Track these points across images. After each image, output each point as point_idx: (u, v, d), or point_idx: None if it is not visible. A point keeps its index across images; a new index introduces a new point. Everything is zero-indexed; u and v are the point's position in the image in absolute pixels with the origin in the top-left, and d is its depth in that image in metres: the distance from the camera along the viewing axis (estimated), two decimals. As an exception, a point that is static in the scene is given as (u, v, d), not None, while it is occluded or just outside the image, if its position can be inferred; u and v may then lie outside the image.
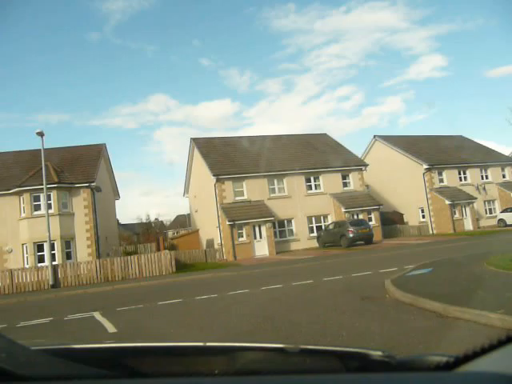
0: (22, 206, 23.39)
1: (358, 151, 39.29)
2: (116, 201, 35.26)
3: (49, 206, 20.90)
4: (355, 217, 28.13)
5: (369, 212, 28.93)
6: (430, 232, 31.57)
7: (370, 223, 27.34)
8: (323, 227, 28.41)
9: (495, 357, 0.96)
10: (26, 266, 21.69)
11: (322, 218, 29.29)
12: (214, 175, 27.11)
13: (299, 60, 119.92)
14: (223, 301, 10.10)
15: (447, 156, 34.04)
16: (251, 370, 1.09)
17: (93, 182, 24.34)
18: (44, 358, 1.14)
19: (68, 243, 23.50)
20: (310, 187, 29.46)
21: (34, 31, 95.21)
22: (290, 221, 28.50)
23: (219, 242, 27.57)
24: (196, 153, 31.35)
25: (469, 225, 30.69)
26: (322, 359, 1.11)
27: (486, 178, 34.60)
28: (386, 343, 5.11)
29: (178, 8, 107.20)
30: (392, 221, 32.69)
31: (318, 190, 29.51)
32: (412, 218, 33.67)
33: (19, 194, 23.29)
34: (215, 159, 28.87)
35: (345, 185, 30.20)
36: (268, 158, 28.98)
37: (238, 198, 27.39)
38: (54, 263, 20.47)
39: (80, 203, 24.06)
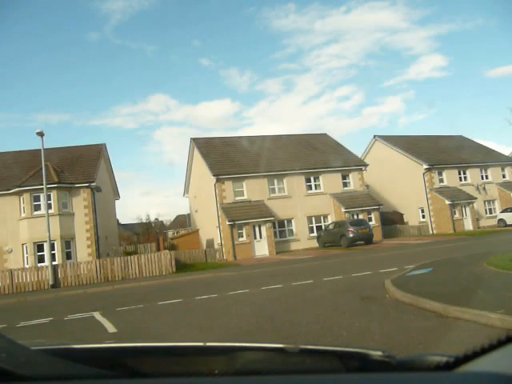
0: (21, 205, 23.39)
1: (358, 151, 39.35)
2: (116, 201, 35.26)
3: (49, 206, 20.90)
4: (355, 217, 28.13)
5: (369, 212, 28.93)
6: (430, 232, 31.57)
7: (370, 223, 27.34)
8: (323, 227, 28.41)
9: (495, 357, 0.96)
10: (26, 266, 21.69)
11: (322, 217, 29.28)
12: (213, 175, 27.11)
13: (299, 60, 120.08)
14: (223, 301, 10.10)
15: (447, 156, 34.04)
16: (251, 370, 1.09)
17: (93, 181, 24.34)
18: (44, 358, 1.14)
19: (68, 243, 23.50)
20: (310, 187, 29.46)
21: (34, 31, 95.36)
22: (290, 221, 28.50)
23: (219, 241, 27.57)
24: (196, 153, 31.35)
25: (469, 225, 30.69)
26: (322, 359, 1.11)
27: (486, 177, 34.60)
28: (385, 343, 5.11)
29: (178, 8, 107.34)
30: (392, 221, 32.68)
31: (317, 190, 29.51)
32: (412, 218, 33.67)
33: (19, 193, 23.30)
34: (215, 159, 28.87)
35: (345, 185, 30.20)
36: (268, 158, 28.98)
37: (237, 198, 27.39)
38: (54, 263, 20.46)
39: (80, 203, 24.06)
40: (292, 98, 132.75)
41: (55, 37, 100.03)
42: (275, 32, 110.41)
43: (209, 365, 1.11)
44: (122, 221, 57.86)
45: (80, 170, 25.45)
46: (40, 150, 20.07)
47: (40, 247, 22.59)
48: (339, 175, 30.01)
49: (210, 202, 28.60)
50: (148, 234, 49.81)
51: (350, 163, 30.68)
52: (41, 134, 19.64)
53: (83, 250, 23.61)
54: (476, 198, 31.56)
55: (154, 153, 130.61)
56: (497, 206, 34.21)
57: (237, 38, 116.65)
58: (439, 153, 34.26)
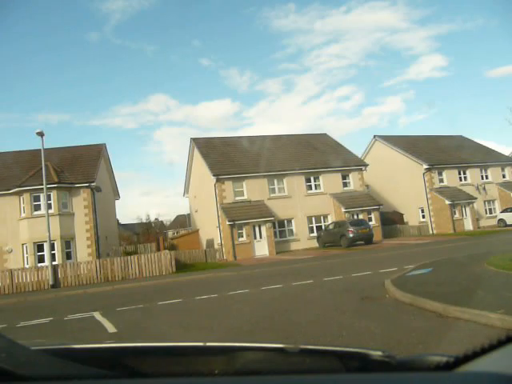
0: (21, 206, 23.39)
1: (358, 151, 39.35)
2: (116, 201, 35.26)
3: (49, 206, 20.90)
4: (355, 217, 28.13)
5: (369, 212, 28.93)
6: (430, 232, 31.57)
7: (370, 223, 27.34)
8: (323, 227, 28.41)
9: (495, 357, 0.96)
10: (26, 266, 21.69)
11: (322, 217, 29.29)
12: (214, 175, 27.11)
13: (299, 60, 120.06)
14: (223, 301, 10.10)
15: (447, 156, 34.05)
16: (251, 370, 1.09)
17: (93, 181, 24.34)
18: (44, 358, 1.14)
19: (68, 243, 23.50)
20: (310, 187, 29.46)
21: (34, 31, 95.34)
22: (290, 221, 28.50)
23: (219, 241, 27.57)
24: (196, 153, 31.35)
25: (469, 225, 30.69)
26: (322, 359, 1.11)
27: (486, 177, 34.60)
28: (385, 343, 5.11)
29: (178, 8, 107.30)
30: (392, 221, 32.68)
31: (317, 190, 29.51)
32: (412, 218, 33.67)
33: (19, 194, 23.30)
34: (215, 159, 28.87)
35: (345, 185, 30.20)
36: (268, 158, 28.99)
37: (237, 198, 27.40)
38: (54, 263, 20.46)
39: (80, 203, 24.06)
40: (292, 98, 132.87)
41: (55, 37, 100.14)
42: (275, 32, 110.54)
43: (209, 365, 1.11)
44: (122, 221, 57.92)
45: (80, 170, 25.45)
46: (40, 149, 20.07)
47: (40, 247, 22.58)
48: (339, 175, 30.01)
49: (210, 202, 28.60)
50: (148, 233, 49.80)
51: (349, 163, 30.68)
52: (41, 134, 19.64)
53: (83, 250, 23.61)
54: (476, 198, 31.56)
55: (153, 153, 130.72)
56: (497, 205, 34.21)
57: (237, 38, 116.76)
58: (439, 153, 34.26)
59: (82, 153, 27.34)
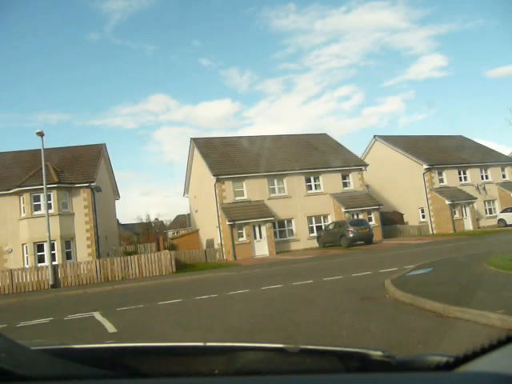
0: (21, 206, 23.39)
1: (358, 151, 39.32)
2: (116, 201, 35.26)
3: (49, 206, 20.90)
4: (355, 217, 28.13)
5: (369, 212, 28.93)
6: (430, 232, 31.57)
7: (370, 223, 27.34)
8: (323, 227, 28.41)
9: (495, 357, 0.96)
10: (26, 266, 21.68)
11: (322, 217, 29.29)
12: (214, 175, 27.11)
13: (299, 60, 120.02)
14: (223, 301, 10.10)
15: (447, 156, 34.05)
16: (251, 370, 1.09)
17: (93, 182, 24.34)
18: (44, 358, 1.14)
19: (68, 243, 23.50)
20: (310, 187, 29.46)
21: (34, 31, 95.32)
22: (290, 221, 28.50)
23: (219, 241, 27.57)
24: (196, 153, 31.35)
25: (469, 225, 30.69)
26: (322, 359, 1.11)
27: (486, 177, 34.60)
28: (386, 343, 5.11)
29: (178, 8, 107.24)
30: (392, 221, 32.68)
31: (317, 190, 29.51)
32: (412, 218, 33.67)
33: (19, 194, 23.30)
34: (215, 159, 28.87)
35: (345, 185, 30.20)
36: (268, 158, 28.98)
37: (237, 198, 27.40)
38: (54, 263, 20.46)
39: (80, 203, 24.06)
40: (292, 98, 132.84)
41: (55, 37, 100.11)
42: (275, 32, 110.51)
43: (209, 365, 1.11)
44: (122, 221, 57.91)
45: (80, 169, 25.45)
46: (40, 149, 20.07)
47: (40, 247, 22.58)
48: (339, 175, 30.01)
49: (210, 202, 28.60)
50: (148, 233, 49.81)
51: (349, 163, 30.69)
52: (41, 134, 19.64)
53: (83, 250, 23.61)
54: (476, 198, 31.56)
55: (154, 153, 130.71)
56: (497, 205, 34.21)
57: (237, 38, 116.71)
58: (439, 153, 34.26)
59: (81, 153, 27.34)
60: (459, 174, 33.52)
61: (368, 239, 25.21)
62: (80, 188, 24.12)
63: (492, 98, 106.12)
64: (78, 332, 8.32)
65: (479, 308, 5.74)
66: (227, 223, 25.58)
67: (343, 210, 28.05)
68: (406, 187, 33.46)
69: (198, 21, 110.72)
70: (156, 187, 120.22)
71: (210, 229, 29.85)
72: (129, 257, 21.18)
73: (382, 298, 8.18)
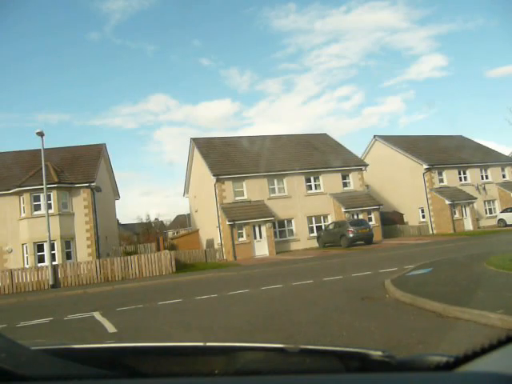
0: (21, 206, 23.39)
1: (358, 151, 39.34)
2: (116, 201, 35.26)
3: (49, 206, 20.89)
4: (355, 217, 28.13)
5: (369, 212, 28.93)
6: (430, 232, 31.56)
7: (370, 223, 27.33)
8: (323, 227, 28.41)
9: (495, 357, 0.96)
10: (26, 266, 21.68)
11: (322, 217, 29.29)
12: (214, 175, 27.11)
13: (299, 60, 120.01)
14: (223, 301, 10.11)
15: (447, 156, 34.05)
16: (251, 370, 1.09)
17: (93, 181, 24.34)
18: (44, 358, 1.14)
19: (68, 243, 23.50)
20: (310, 187, 29.46)
21: (34, 31, 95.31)
22: (290, 221, 28.50)
23: (219, 241, 27.57)
24: (196, 153, 31.35)
25: (469, 225, 30.69)
26: (322, 359, 1.11)
27: (486, 177, 34.60)
28: (386, 343, 5.11)
29: (178, 8, 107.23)
30: (392, 221, 32.69)
31: (317, 190, 29.51)
32: (412, 218, 33.67)
33: (19, 194, 23.30)
34: (215, 159, 28.88)
35: (345, 185, 30.20)
36: (268, 158, 28.99)
37: (237, 198, 27.40)
38: (54, 263, 20.45)
39: (80, 203, 24.06)
40: (292, 98, 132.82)
41: (55, 37, 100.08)
42: (275, 32, 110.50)
43: (209, 365, 1.11)
44: (122, 221, 57.91)
45: (80, 169, 25.46)
46: (40, 149, 20.07)
47: (40, 247, 22.58)
48: (339, 175, 30.01)
49: (210, 202, 28.60)
50: (148, 233, 49.82)
51: (349, 163, 30.69)
52: (41, 134, 19.64)
53: (83, 250, 23.61)
54: (476, 198, 31.56)
55: (154, 153, 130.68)
56: (497, 205, 34.21)
57: (237, 38, 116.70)
58: (439, 153, 34.26)
59: (81, 153, 27.33)
60: (459, 173, 33.52)
61: (368, 239, 25.21)
62: (80, 188, 24.12)
63: (492, 98, 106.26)
64: (77, 332, 8.32)
65: (479, 308, 5.74)
66: (227, 223, 25.58)
67: (343, 210, 28.06)
68: (405, 187, 33.46)
69: (197, 21, 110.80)
70: (156, 187, 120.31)
71: (210, 229, 29.85)
72: (129, 257, 21.18)
73: (382, 298, 8.18)
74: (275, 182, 28.70)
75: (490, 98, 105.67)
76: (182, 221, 65.14)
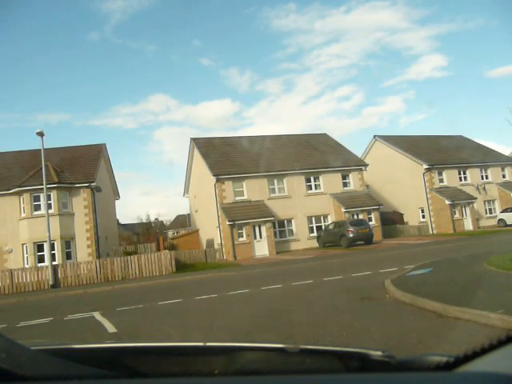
0: (22, 206, 23.40)
1: (358, 151, 39.32)
2: (116, 201, 35.26)
3: (49, 206, 20.89)
4: (355, 217, 28.13)
5: (369, 212, 28.93)
6: (430, 232, 31.57)
7: (370, 223, 27.33)
8: (323, 227, 28.41)
9: (495, 357, 0.96)
10: (26, 266, 21.68)
11: (322, 217, 29.29)
12: (214, 175, 27.11)
13: (299, 60, 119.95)
14: (223, 301, 10.11)
15: (447, 156, 34.05)
16: (251, 370, 1.09)
17: (93, 181, 24.34)
18: (44, 358, 1.14)
19: (68, 243, 23.50)
20: (310, 187, 29.47)
21: (34, 31, 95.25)
22: (290, 221, 28.50)
23: (219, 241, 27.57)
24: (196, 153, 31.35)
25: (469, 225, 30.69)
26: (322, 359, 1.11)
27: (486, 177, 34.60)
28: (385, 343, 5.11)
29: (178, 8, 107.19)
30: (392, 221, 32.68)
31: (317, 190, 29.51)
32: (412, 218, 33.67)
33: (19, 193, 23.30)
34: (215, 159, 28.88)
35: (345, 185, 30.21)
36: (268, 158, 28.99)
37: (238, 198, 27.40)
38: (54, 263, 20.46)
39: (80, 203, 24.06)
40: (292, 98, 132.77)
41: (56, 37, 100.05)
42: (275, 32, 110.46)
43: (209, 365, 1.11)
44: (122, 221, 57.89)
45: (80, 169, 25.46)
46: (40, 149, 20.07)
47: (40, 247, 22.58)
48: (339, 175, 30.02)
49: (210, 202, 28.60)
50: (148, 233, 49.83)
51: (349, 163, 30.69)
52: (41, 134, 19.64)
53: (83, 250, 23.61)
54: (476, 198, 31.56)
55: (153, 153, 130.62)
56: (497, 205, 34.21)
57: (237, 38, 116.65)
58: (439, 153, 34.26)
59: (81, 153, 27.33)
60: (459, 173, 33.52)
61: (368, 239, 25.21)
62: (80, 188, 24.13)
63: (492, 98, 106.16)
64: (78, 332, 8.32)
65: (479, 308, 5.74)
66: (227, 223, 25.59)
67: (343, 210, 28.06)
68: (405, 187, 33.46)
69: (197, 21, 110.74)
70: (156, 187, 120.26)
71: (210, 229, 29.85)
72: (129, 257, 21.18)
73: (382, 298, 8.18)
74: (275, 181, 28.70)
75: (489, 98, 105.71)
76: (182, 221, 65.14)
